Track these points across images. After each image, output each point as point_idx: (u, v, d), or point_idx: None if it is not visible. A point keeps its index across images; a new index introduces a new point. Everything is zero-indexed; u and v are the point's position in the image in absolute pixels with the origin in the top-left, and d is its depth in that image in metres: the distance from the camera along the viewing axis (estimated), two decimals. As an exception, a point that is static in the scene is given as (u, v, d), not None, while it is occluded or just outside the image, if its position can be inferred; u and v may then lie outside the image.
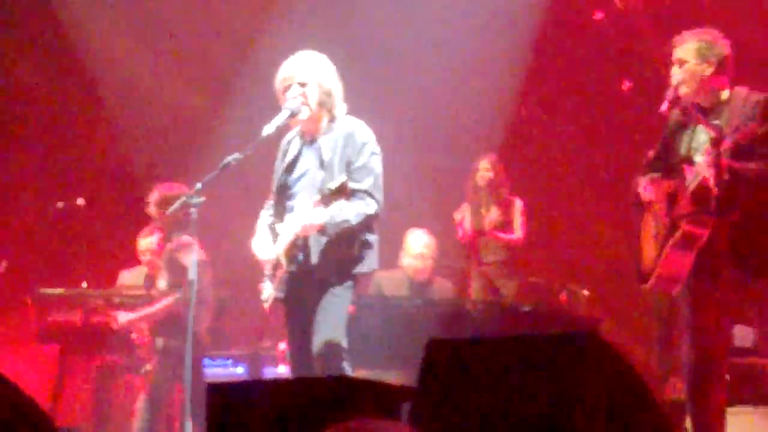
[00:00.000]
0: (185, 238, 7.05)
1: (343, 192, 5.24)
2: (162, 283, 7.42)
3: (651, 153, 5.53)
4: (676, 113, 5.39)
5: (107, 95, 10.13)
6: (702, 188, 5.06)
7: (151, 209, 7.52)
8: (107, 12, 9.90)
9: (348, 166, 5.46)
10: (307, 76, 5.56)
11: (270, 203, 5.82)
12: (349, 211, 5.39)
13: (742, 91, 5.30)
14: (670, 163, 5.38)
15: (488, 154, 9.02)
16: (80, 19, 9.87)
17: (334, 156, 5.51)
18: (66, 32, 9.91)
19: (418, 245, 8.34)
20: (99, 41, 9.96)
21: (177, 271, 7.24)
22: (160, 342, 7.46)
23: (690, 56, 5.28)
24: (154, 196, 7.53)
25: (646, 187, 5.42)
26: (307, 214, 5.35)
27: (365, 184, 5.44)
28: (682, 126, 5.38)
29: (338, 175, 5.41)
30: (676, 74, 5.32)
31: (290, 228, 5.45)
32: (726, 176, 4.98)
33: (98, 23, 9.91)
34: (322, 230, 5.39)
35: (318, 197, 5.32)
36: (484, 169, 8.87)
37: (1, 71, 9.87)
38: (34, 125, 10.07)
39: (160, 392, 7.39)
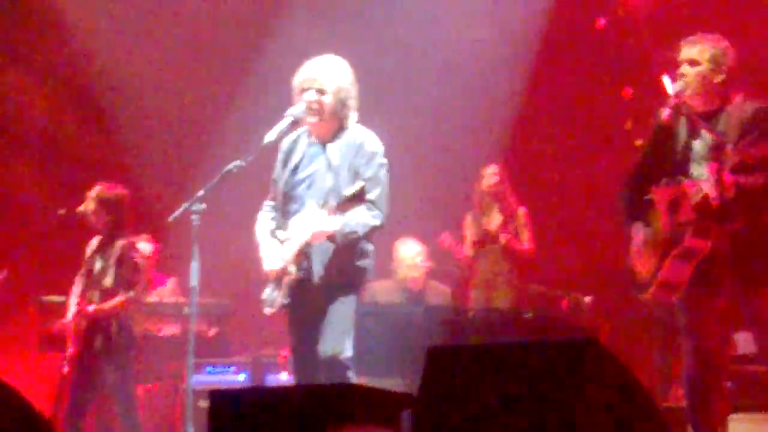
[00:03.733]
0: (136, 238, 7.17)
1: (359, 200, 5.24)
2: (108, 281, 7.28)
3: (637, 158, 5.42)
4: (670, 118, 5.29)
5: (110, 103, 10.14)
6: (705, 202, 5.03)
7: (89, 207, 7.39)
8: (110, 17, 9.91)
9: (356, 176, 5.44)
10: (326, 83, 5.54)
11: (269, 204, 5.79)
12: (358, 222, 5.39)
13: (738, 98, 5.26)
14: (662, 168, 5.29)
15: (493, 162, 8.98)
16: (82, 25, 9.89)
17: (343, 163, 5.50)
18: (69, 39, 9.93)
19: (411, 255, 8.32)
20: (101, 48, 9.97)
21: (128, 269, 7.23)
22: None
23: (704, 59, 5.23)
24: (95, 192, 7.35)
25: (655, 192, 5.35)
26: (318, 222, 5.35)
27: (373, 194, 5.42)
28: (673, 132, 5.29)
29: (345, 182, 5.42)
30: (687, 73, 5.23)
31: (299, 235, 5.44)
32: (730, 194, 4.96)
33: (101, 29, 9.93)
34: (331, 238, 5.39)
35: (333, 204, 5.32)
36: (489, 175, 8.83)
37: (2, 79, 9.88)
38: (35, 132, 10.07)
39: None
